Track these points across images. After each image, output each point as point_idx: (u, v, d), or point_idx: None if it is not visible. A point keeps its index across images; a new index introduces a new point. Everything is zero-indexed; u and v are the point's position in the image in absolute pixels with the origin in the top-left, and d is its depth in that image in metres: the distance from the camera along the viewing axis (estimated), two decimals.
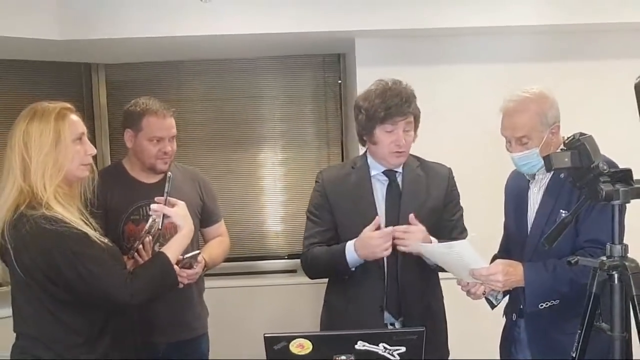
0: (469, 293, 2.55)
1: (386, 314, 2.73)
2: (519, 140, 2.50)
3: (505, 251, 2.76)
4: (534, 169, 2.54)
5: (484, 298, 2.59)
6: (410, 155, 2.82)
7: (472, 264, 2.42)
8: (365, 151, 2.85)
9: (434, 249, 2.52)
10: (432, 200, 2.75)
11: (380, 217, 2.68)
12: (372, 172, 2.79)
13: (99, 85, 4.73)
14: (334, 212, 2.78)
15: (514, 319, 2.64)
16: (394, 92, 2.67)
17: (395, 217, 2.69)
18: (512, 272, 2.43)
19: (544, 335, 2.52)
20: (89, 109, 4.65)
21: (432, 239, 2.60)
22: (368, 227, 2.59)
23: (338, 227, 2.78)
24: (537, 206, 2.58)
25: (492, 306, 2.63)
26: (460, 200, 2.87)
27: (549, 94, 2.53)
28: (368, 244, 2.58)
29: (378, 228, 2.60)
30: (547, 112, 2.48)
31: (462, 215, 2.85)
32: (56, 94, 3.89)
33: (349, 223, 2.73)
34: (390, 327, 2.71)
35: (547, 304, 2.44)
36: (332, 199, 2.79)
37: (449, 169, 2.88)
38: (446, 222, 2.78)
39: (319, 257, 2.75)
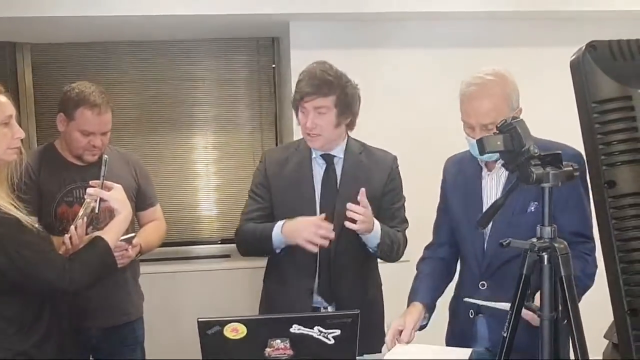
0: None
1: (319, 298, 2.72)
2: (484, 127, 2.34)
3: (460, 258, 2.65)
4: (495, 155, 2.24)
5: None
6: (354, 140, 2.81)
7: None
8: None
9: None
10: (372, 187, 2.66)
11: (316, 200, 2.68)
12: (313, 155, 2.77)
13: (24, 66, 4.58)
14: (271, 191, 2.76)
15: (471, 316, 2.54)
16: (308, 74, 2.64)
17: (331, 201, 2.68)
18: None
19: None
20: (13, 90, 4.47)
21: (375, 221, 2.58)
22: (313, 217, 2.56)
23: (274, 206, 2.76)
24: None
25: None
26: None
27: (509, 75, 2.40)
28: (296, 227, 2.55)
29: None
30: (511, 95, 2.37)
31: (403, 205, 2.83)
32: None
33: (285, 204, 2.71)
34: (323, 310, 2.70)
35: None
36: (272, 178, 2.77)
37: (394, 157, 2.84)
38: (385, 210, 2.75)
39: (248, 233, 2.72)
